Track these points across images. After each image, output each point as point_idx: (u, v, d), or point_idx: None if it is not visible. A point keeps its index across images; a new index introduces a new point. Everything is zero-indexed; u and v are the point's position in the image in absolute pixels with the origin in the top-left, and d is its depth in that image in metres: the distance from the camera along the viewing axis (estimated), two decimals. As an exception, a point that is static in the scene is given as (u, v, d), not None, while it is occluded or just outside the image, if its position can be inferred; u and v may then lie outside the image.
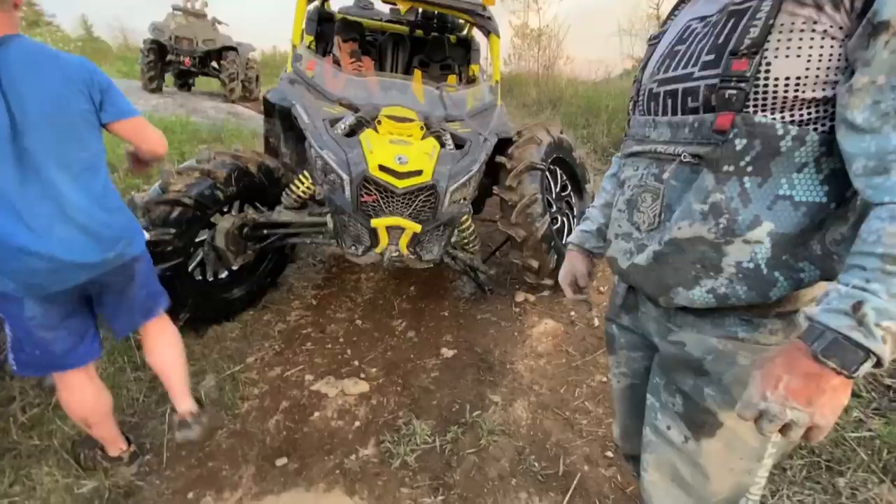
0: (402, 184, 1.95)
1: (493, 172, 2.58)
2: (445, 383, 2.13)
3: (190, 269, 2.32)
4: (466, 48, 4.00)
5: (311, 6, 3.68)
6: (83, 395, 1.47)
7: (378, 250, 2.06)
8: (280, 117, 2.48)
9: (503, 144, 2.58)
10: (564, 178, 2.99)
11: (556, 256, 2.50)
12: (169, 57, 7.70)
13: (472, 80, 3.63)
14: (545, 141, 2.62)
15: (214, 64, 8.35)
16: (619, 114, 5.84)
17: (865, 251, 0.52)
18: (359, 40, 3.35)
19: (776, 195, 0.63)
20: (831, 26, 0.56)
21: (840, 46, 0.56)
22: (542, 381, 2.13)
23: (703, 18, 0.73)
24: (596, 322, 2.54)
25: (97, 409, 1.50)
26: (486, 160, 2.29)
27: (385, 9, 4.28)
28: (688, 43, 0.72)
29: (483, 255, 2.97)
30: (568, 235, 2.92)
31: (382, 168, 1.95)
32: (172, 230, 1.98)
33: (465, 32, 4.06)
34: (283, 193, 2.38)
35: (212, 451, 1.72)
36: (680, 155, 0.70)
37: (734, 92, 0.61)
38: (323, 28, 3.72)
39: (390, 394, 2.06)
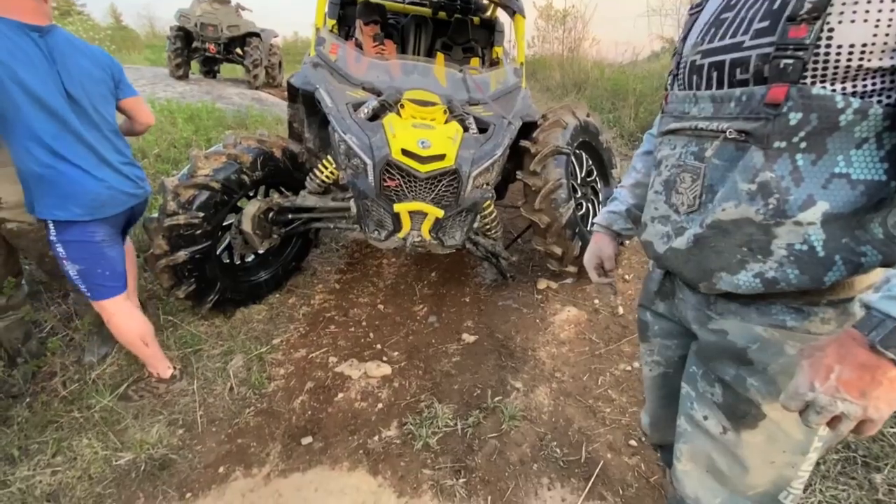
0: (425, 168, 1.93)
1: (517, 157, 2.54)
2: (467, 368, 2.14)
3: (218, 252, 2.37)
4: (490, 30, 3.91)
5: None
6: (136, 317, 1.85)
7: (401, 235, 2.06)
8: (304, 102, 2.48)
9: (528, 128, 2.53)
10: (590, 162, 2.92)
11: (580, 243, 2.45)
12: (195, 44, 7.79)
13: (495, 63, 3.56)
14: (571, 124, 2.55)
15: (239, 50, 8.40)
16: (647, 97, 5.65)
17: None
18: (381, 23, 3.31)
19: (832, 173, 0.58)
20: None
21: None
22: (565, 369, 2.12)
23: None
24: (620, 310, 2.50)
25: (149, 329, 1.88)
26: (509, 144, 2.24)
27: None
28: (736, 9, 0.67)
29: (505, 241, 2.94)
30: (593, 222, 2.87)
31: (405, 152, 1.93)
32: (201, 213, 2.02)
33: (488, 14, 3.97)
34: (307, 178, 2.40)
35: (241, 428, 1.78)
36: (725, 131, 0.65)
37: (790, 62, 0.56)
38: (345, 11, 3.69)
39: (412, 377, 2.08)
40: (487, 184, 2.16)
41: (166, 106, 5.21)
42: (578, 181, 2.79)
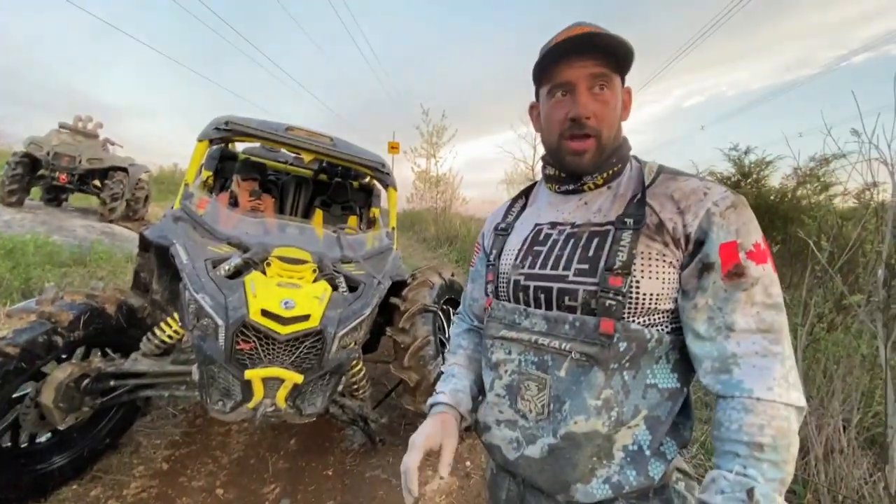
0: (285, 330, 1.84)
1: (388, 312, 2.60)
2: (321, 570, 1.78)
3: (-7, 434, 1.81)
4: (368, 193, 4.30)
5: (215, 147, 3.77)
6: None
7: (251, 406, 1.83)
8: (156, 254, 2.30)
9: (398, 287, 2.66)
10: (457, 317, 3.11)
11: (449, 401, 2.45)
12: (41, 171, 7.05)
13: (372, 222, 3.84)
14: (437, 283, 2.76)
15: (97, 182, 7.82)
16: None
17: (733, 438, 0.64)
18: (259, 180, 3.42)
19: (646, 384, 0.73)
20: (673, 259, 0.73)
21: (677, 273, 0.73)
22: (435, 555, 1.89)
23: (553, 225, 0.86)
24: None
25: None
26: (378, 303, 2.30)
27: (291, 153, 4.55)
28: (548, 246, 0.84)
29: (379, 394, 2.80)
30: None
31: (265, 313, 1.84)
32: (-23, 388, 1.58)
33: (366, 179, 4.40)
34: (144, 338, 2.09)
35: None
36: (570, 353, 0.76)
37: (613, 303, 0.72)
38: (223, 164, 3.77)
39: None
40: (355, 342, 2.13)
41: (-20, 239, 4.39)
42: (447, 336, 2.91)
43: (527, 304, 0.84)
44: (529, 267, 0.84)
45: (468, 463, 2.52)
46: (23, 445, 1.95)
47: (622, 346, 0.72)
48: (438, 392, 0.97)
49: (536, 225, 0.90)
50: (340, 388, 2.19)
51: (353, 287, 2.31)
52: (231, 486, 2.24)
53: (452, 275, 3.05)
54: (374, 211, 4.11)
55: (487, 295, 0.96)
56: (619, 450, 0.73)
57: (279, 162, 4.12)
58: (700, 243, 0.71)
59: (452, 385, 0.97)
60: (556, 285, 0.79)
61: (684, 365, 0.75)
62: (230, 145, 3.84)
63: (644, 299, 0.72)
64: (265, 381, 1.82)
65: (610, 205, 0.81)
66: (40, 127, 7.68)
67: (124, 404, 2.25)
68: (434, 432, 0.87)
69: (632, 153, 0.88)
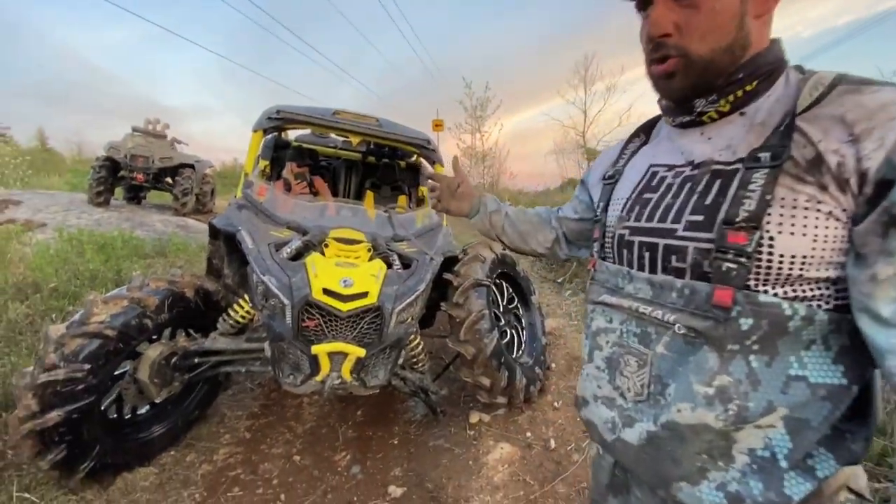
0: (346, 307, 1.92)
1: (442, 287, 2.63)
2: (393, 531, 1.88)
3: (102, 407, 2.06)
4: (416, 172, 4.33)
5: (268, 137, 3.93)
6: None
7: (319, 378, 1.94)
8: (225, 241, 2.47)
9: (450, 262, 2.68)
10: (510, 290, 3.09)
11: (506, 373, 2.46)
12: (122, 173, 7.76)
13: (421, 201, 3.87)
14: (489, 258, 2.74)
15: (169, 179, 8.48)
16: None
17: None
18: (311, 165, 3.54)
19: (788, 375, 0.56)
20: (836, 207, 0.53)
21: (844, 228, 0.53)
22: (500, 520, 1.94)
23: (671, 167, 0.71)
24: (553, 443, 2.43)
25: None
26: (432, 279, 2.33)
27: (339, 138, 4.65)
28: (660, 192, 0.69)
29: (438, 368, 2.87)
30: (517, 349, 2.92)
31: (327, 291, 1.92)
32: (87, 365, 1.79)
33: (413, 159, 4.43)
34: (221, 319, 2.27)
35: None
36: (673, 325, 0.62)
37: (734, 266, 0.56)
38: (278, 154, 3.93)
39: (328, 551, 1.78)
40: (412, 318, 2.18)
41: (75, 235, 4.92)
42: (501, 309, 2.90)
43: (630, 264, 0.72)
44: (636, 219, 0.71)
45: (529, 434, 2.53)
46: (126, 417, 2.20)
47: (745, 322, 0.56)
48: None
49: (651, 167, 0.75)
50: (401, 361, 2.26)
51: (406, 264, 2.36)
52: (306, 453, 2.41)
53: (504, 249, 3.01)
54: (423, 190, 4.12)
55: (592, 255, 0.84)
56: (743, 452, 0.58)
57: (329, 147, 4.23)
58: (887, 185, 0.49)
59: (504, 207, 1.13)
60: (662, 241, 0.65)
61: (857, 355, 0.55)
62: (283, 134, 3.99)
63: (781, 263, 0.54)
64: (331, 355, 1.92)
65: (742, 136, 0.62)
66: (114, 132, 8.39)
67: (208, 379, 2.46)
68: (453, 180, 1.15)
69: (792, 64, 0.65)
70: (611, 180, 0.83)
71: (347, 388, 2.02)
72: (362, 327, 1.98)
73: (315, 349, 1.88)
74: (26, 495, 1.87)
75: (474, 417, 2.68)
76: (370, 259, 2.26)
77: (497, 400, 2.54)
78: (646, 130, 0.86)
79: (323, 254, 2.20)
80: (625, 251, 0.73)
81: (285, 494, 2.10)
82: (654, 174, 0.73)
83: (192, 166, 8.51)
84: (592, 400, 0.78)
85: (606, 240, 0.78)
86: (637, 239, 0.70)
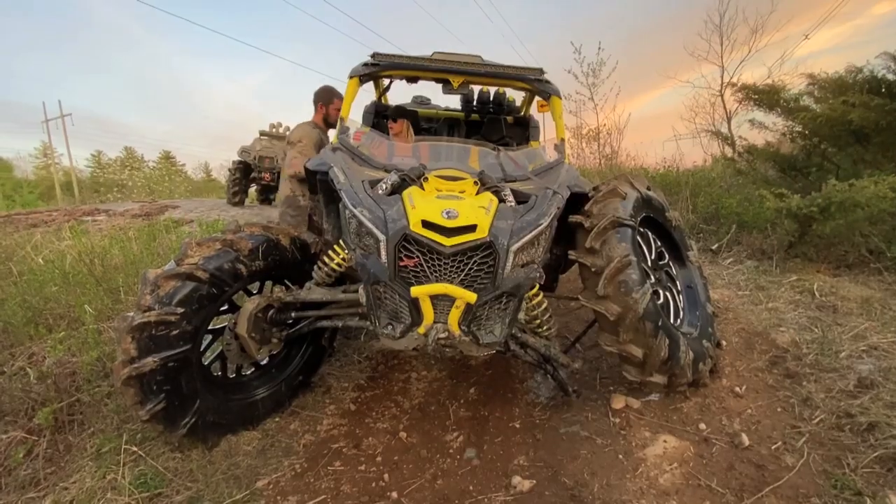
0: (451, 241, 1.51)
1: (566, 239, 2.08)
2: (522, 535, 1.40)
3: (206, 363, 1.95)
4: (524, 126, 3.82)
5: (370, 102, 3.78)
6: None
7: (421, 330, 1.55)
8: (322, 190, 2.25)
9: (577, 203, 2.10)
10: (659, 243, 2.38)
11: (666, 341, 1.81)
12: (253, 174, 8.57)
13: (533, 154, 3.34)
14: (631, 195, 2.10)
15: (293, 179, 9.18)
16: (703, 189, 5.26)
17: None
18: (409, 123, 3.26)
19: None
20: None
21: None
22: (679, 540, 1.33)
23: None
24: (745, 439, 1.71)
25: None
26: (557, 215, 1.81)
27: (442, 103, 4.35)
28: None
29: (562, 347, 2.33)
30: (674, 316, 2.22)
31: (427, 224, 1.54)
32: (180, 309, 1.65)
33: (522, 112, 3.92)
34: (315, 267, 2.03)
35: None
36: None
37: None
38: (379, 120, 3.74)
39: (439, 550, 1.38)
40: (533, 262, 1.68)
41: (212, 224, 5.47)
42: (649, 264, 2.24)
43: None
44: None
45: (702, 425, 1.85)
46: (231, 377, 2.08)
47: None
48: None
49: None
50: (521, 318, 1.78)
51: (522, 202, 1.87)
52: (414, 430, 2.06)
53: (649, 188, 2.34)
54: (533, 144, 3.59)
55: None
56: None
57: (430, 109, 3.95)
58: None
59: None
60: None
61: None
62: (383, 99, 3.79)
63: None
64: (434, 301, 1.53)
65: None
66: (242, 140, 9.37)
67: (312, 341, 2.27)
68: None
69: None
70: None
71: (456, 345, 1.61)
72: (472, 268, 1.55)
73: (414, 291, 1.50)
74: (133, 448, 1.80)
75: (618, 402, 2.06)
76: (478, 193, 1.83)
77: (652, 378, 1.88)
78: None
79: (422, 188, 1.82)
80: None
81: (389, 474, 1.76)
82: None
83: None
84: None
85: None
86: None
